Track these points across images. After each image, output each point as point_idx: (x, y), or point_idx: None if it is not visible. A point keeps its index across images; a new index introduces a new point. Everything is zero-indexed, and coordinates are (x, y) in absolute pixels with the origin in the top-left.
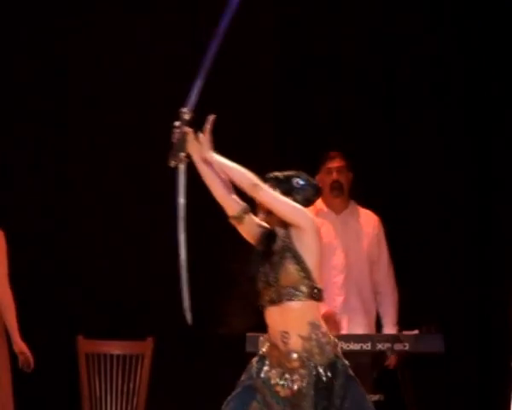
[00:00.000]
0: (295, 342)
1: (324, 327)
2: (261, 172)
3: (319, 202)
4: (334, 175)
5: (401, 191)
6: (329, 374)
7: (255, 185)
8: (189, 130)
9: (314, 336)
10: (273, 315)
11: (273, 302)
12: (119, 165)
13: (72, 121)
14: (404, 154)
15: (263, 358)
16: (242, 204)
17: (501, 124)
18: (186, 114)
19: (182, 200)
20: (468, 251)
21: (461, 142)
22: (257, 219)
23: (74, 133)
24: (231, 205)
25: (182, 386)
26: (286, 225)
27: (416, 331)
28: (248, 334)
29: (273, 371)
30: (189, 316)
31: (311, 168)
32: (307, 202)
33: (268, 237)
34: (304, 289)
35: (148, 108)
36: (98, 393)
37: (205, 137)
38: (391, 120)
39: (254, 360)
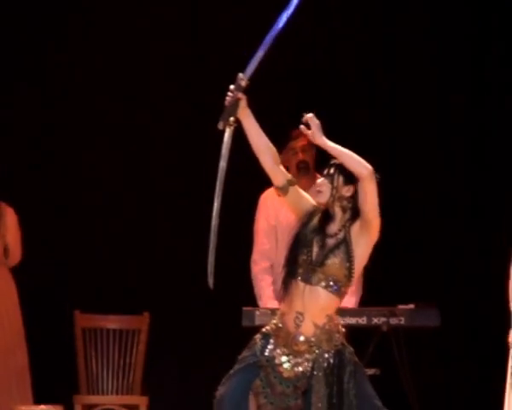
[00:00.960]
0: (307, 327)
1: (336, 318)
2: None
3: None
4: (300, 155)
5: (396, 163)
6: (336, 361)
7: (373, 173)
8: (242, 96)
9: (327, 327)
10: (297, 292)
11: (306, 281)
12: (117, 141)
13: (66, 96)
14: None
15: (267, 336)
16: (288, 176)
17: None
18: (242, 80)
19: (224, 164)
20: (466, 224)
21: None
22: (303, 193)
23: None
24: (278, 176)
25: (178, 360)
26: (350, 217)
27: (411, 305)
28: (245, 308)
29: (278, 351)
30: (211, 281)
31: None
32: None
33: (326, 216)
34: (341, 285)
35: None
36: (95, 367)
37: (317, 123)
38: None
39: (258, 337)
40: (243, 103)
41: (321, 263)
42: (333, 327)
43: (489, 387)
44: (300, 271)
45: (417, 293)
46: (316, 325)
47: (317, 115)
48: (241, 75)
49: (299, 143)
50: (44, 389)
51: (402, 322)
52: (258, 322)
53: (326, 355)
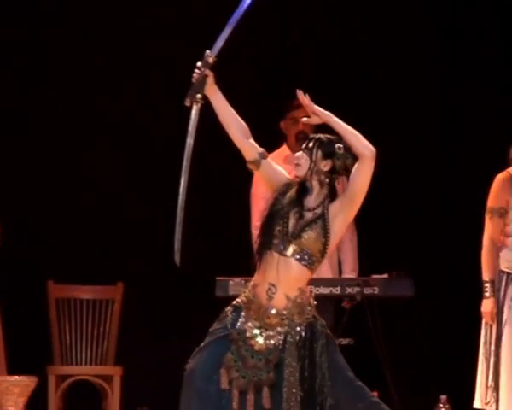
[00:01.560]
0: (279, 299)
1: (308, 292)
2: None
3: (285, 149)
4: (301, 126)
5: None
6: (308, 334)
7: (375, 155)
8: (209, 73)
9: (298, 300)
10: (272, 263)
11: (281, 252)
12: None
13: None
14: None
15: (238, 308)
16: (260, 149)
17: None
18: (210, 57)
19: (190, 140)
20: (439, 195)
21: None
22: (276, 165)
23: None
24: (249, 149)
25: (152, 330)
26: (328, 193)
27: (385, 275)
28: (218, 278)
29: (249, 324)
30: (177, 258)
31: None
32: (345, 170)
33: (303, 189)
34: (315, 260)
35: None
36: (68, 337)
37: (320, 110)
38: None
39: (228, 309)
40: (210, 80)
41: (297, 235)
42: (304, 300)
43: (462, 356)
44: (275, 241)
45: (391, 263)
46: (288, 298)
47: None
48: (208, 52)
49: (302, 113)
50: (18, 359)
51: (376, 292)
52: (231, 292)
53: (298, 328)
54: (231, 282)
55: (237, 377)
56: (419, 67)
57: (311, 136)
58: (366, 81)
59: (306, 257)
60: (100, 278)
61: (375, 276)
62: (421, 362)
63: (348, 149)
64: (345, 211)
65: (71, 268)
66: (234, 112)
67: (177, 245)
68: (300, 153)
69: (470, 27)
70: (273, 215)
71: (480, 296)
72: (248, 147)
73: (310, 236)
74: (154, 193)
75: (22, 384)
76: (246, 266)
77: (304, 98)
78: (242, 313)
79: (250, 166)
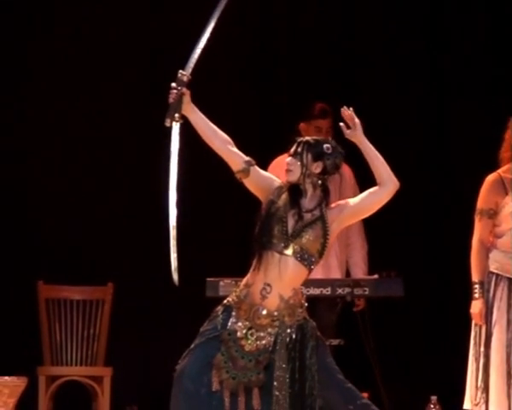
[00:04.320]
0: (273, 300)
1: (300, 293)
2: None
3: None
4: (324, 134)
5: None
6: (299, 336)
7: (397, 186)
8: (186, 91)
9: (291, 301)
10: (271, 263)
11: (281, 252)
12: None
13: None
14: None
15: (228, 308)
16: (246, 157)
17: None
18: (184, 76)
19: (174, 160)
20: (429, 197)
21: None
22: (263, 172)
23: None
24: (236, 159)
25: (142, 331)
26: (323, 194)
27: (375, 276)
28: (208, 279)
29: (239, 324)
30: (176, 277)
31: None
32: (336, 169)
33: (296, 192)
34: (313, 260)
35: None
36: (58, 338)
37: (358, 123)
38: None
39: (219, 309)
40: (187, 98)
41: (297, 235)
42: (296, 302)
43: (452, 357)
44: (275, 241)
45: (381, 264)
46: (281, 298)
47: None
48: (181, 72)
49: (326, 123)
50: (8, 360)
51: (366, 292)
52: (222, 292)
53: (288, 330)
54: (221, 283)
55: (227, 379)
56: (407, 71)
57: (298, 140)
58: (353, 87)
59: (306, 256)
60: (90, 278)
61: (365, 277)
62: (412, 363)
63: (336, 147)
64: (344, 221)
65: (61, 269)
66: (214, 126)
67: (173, 264)
68: (290, 158)
69: (457, 30)
70: (271, 216)
71: (469, 297)
72: (235, 157)
73: (310, 236)
74: (143, 194)
75: (12, 385)
76: (236, 267)
77: (351, 115)
78: (233, 313)
79: (239, 176)
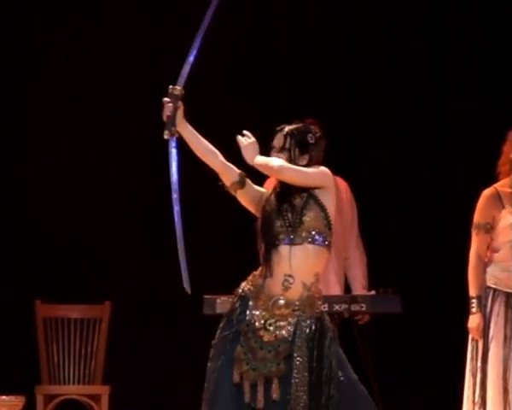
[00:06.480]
0: (296, 289)
1: (319, 281)
2: None
3: None
4: None
5: (358, 157)
6: (318, 326)
7: (280, 168)
8: (181, 105)
9: (313, 289)
10: (283, 257)
11: (291, 243)
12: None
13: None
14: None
15: (244, 298)
16: (238, 170)
17: None
18: (177, 89)
19: (175, 173)
20: (426, 212)
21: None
22: (253, 185)
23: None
24: (229, 172)
25: (139, 350)
26: None
27: (372, 292)
28: (206, 296)
29: (257, 314)
30: (187, 287)
31: None
32: (322, 154)
33: (283, 186)
34: (326, 236)
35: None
36: (56, 357)
37: (243, 145)
38: None
39: (235, 300)
40: (181, 113)
41: (299, 222)
42: (315, 292)
43: (449, 372)
44: (281, 237)
45: (378, 280)
46: (304, 286)
47: None
48: (172, 86)
49: None
50: (6, 379)
51: (363, 308)
52: (219, 310)
53: (308, 321)
54: (218, 300)
55: (248, 370)
56: (407, 71)
57: (283, 131)
58: (353, 87)
59: (317, 236)
60: (87, 297)
61: (362, 293)
62: (409, 378)
63: (316, 133)
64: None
65: (58, 288)
66: (206, 143)
67: (184, 275)
68: (277, 155)
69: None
70: (269, 216)
71: (466, 312)
72: (229, 170)
73: (310, 216)
74: (140, 212)
75: (10, 404)
76: (233, 284)
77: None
78: (250, 303)
79: (233, 188)
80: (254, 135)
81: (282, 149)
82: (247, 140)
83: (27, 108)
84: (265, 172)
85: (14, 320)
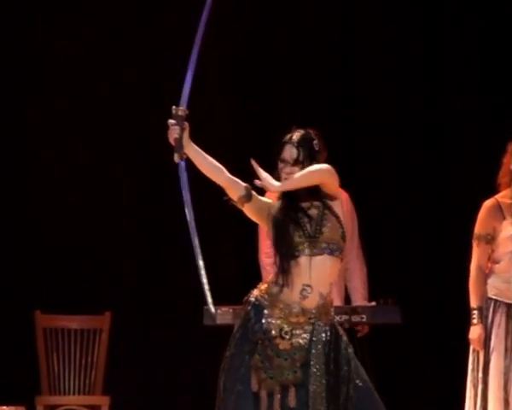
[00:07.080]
0: (313, 298)
1: (332, 291)
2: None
3: None
4: None
5: (358, 167)
6: (333, 331)
7: (285, 183)
8: (187, 125)
9: (328, 298)
10: (303, 267)
11: (312, 254)
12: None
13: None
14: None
15: (258, 307)
16: (244, 184)
17: None
18: (181, 110)
19: (187, 196)
20: (426, 223)
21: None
22: (259, 196)
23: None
24: (236, 187)
25: (139, 360)
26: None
27: (373, 303)
28: (206, 307)
29: (273, 322)
30: (212, 308)
31: None
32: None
33: (288, 196)
34: (341, 247)
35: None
36: (56, 367)
37: (264, 175)
38: None
39: (249, 309)
40: (187, 134)
41: (319, 232)
42: (329, 301)
43: (450, 383)
44: (301, 248)
45: (378, 291)
46: (321, 295)
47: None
48: (175, 107)
49: None
50: (6, 390)
51: (364, 319)
52: (219, 321)
53: (324, 328)
54: (219, 311)
55: (265, 379)
56: (407, 71)
57: (292, 142)
58: (353, 87)
59: (335, 247)
60: (87, 307)
61: (362, 304)
62: (409, 389)
63: (316, 137)
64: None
65: (58, 298)
66: (210, 158)
67: (209, 299)
68: (291, 168)
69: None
70: (284, 227)
71: (467, 323)
72: (235, 185)
73: (328, 227)
74: (139, 223)
75: None
76: (233, 295)
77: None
78: (265, 311)
79: (241, 202)
80: (254, 135)
81: (296, 163)
82: (259, 169)
83: (27, 108)
84: (303, 184)
85: (14, 331)
